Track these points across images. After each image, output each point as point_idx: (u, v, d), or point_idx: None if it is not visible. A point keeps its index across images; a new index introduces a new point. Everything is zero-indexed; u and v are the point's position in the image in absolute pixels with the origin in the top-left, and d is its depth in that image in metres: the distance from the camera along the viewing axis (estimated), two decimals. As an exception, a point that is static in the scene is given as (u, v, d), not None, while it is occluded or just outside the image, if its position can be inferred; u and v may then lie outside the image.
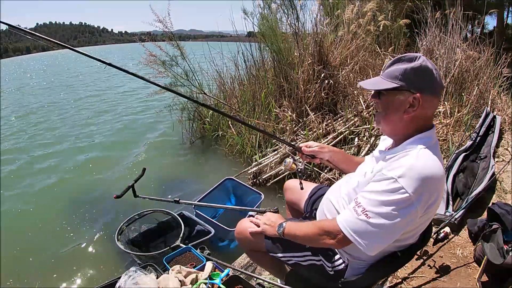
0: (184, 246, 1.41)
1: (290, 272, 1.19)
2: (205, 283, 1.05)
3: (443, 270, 1.58)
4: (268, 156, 3.09)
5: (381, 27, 3.85)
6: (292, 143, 1.38)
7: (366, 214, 0.79)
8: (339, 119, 3.25)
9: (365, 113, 3.15)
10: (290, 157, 1.46)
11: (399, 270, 1.57)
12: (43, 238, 2.47)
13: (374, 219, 0.78)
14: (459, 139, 2.68)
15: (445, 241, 1.79)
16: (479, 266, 1.46)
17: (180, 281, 1.04)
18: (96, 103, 7.60)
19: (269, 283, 1.25)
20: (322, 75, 3.29)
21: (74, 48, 1.26)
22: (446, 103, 3.15)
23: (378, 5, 4.02)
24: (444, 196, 2.03)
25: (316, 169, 2.75)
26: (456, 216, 1.84)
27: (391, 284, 1.53)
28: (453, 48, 3.37)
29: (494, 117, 2.91)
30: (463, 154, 2.39)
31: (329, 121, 3.18)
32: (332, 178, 2.63)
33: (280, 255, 1.06)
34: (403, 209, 0.75)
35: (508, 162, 2.35)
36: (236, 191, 2.49)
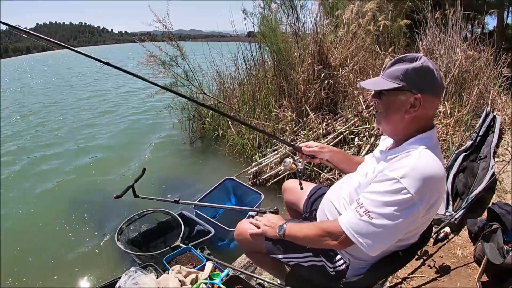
0: (184, 246, 1.41)
1: (290, 272, 1.18)
2: (205, 283, 1.05)
3: (443, 270, 1.58)
4: (268, 156, 3.09)
5: (381, 27, 3.85)
6: (292, 143, 1.38)
7: (368, 215, 0.79)
8: (339, 119, 3.26)
9: (365, 113, 3.15)
10: (290, 157, 1.46)
11: (399, 270, 1.57)
12: (43, 238, 2.47)
13: (376, 220, 0.78)
14: (459, 139, 2.68)
15: (445, 241, 1.79)
16: (479, 266, 1.46)
17: (180, 281, 1.04)
18: (96, 104, 7.60)
19: (269, 283, 1.25)
20: (322, 75, 3.29)
21: (74, 48, 1.25)
22: (446, 103, 3.16)
23: (378, 5, 4.02)
24: (444, 196, 2.02)
25: (316, 169, 2.75)
26: (456, 216, 1.84)
27: (391, 284, 1.53)
28: (453, 48, 3.37)
29: (494, 117, 2.92)
30: (463, 154, 2.39)
31: (329, 121, 3.18)
32: (332, 178, 2.63)
33: (280, 256, 1.05)
34: (405, 209, 0.75)
35: (508, 162, 2.35)
36: (236, 191, 2.49)
